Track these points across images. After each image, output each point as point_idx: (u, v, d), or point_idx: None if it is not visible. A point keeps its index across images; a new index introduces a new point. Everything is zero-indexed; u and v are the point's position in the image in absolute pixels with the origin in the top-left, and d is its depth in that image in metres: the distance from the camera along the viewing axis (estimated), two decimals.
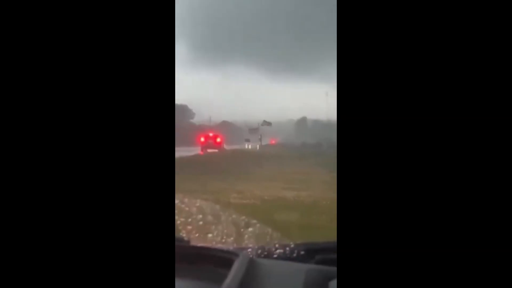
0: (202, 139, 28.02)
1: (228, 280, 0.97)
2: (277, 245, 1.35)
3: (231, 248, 1.31)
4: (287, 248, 1.33)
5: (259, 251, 1.32)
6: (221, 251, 1.21)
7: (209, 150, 24.34)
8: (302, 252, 1.30)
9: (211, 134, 29.45)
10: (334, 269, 1.07)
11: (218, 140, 28.47)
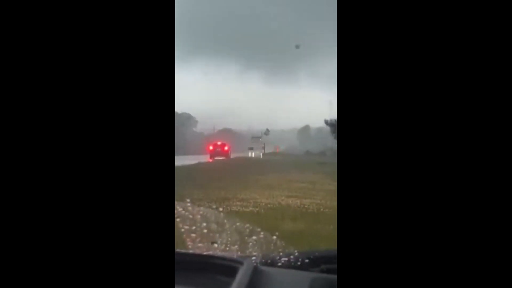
0: (211, 148, 29.10)
1: None
2: (281, 253, 1.34)
3: (235, 256, 1.31)
4: (292, 257, 1.32)
5: (264, 259, 1.31)
6: (226, 259, 1.20)
7: (217, 158, 25.37)
8: (306, 261, 1.29)
9: (219, 143, 30.46)
10: None
11: (226, 148, 29.46)
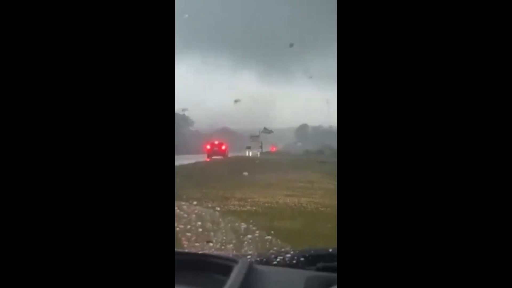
0: (208, 147, 28.98)
1: (226, 287, 0.96)
2: (276, 252, 1.34)
3: (230, 255, 1.30)
4: (287, 255, 1.31)
5: (259, 258, 1.31)
6: (220, 258, 1.19)
7: (215, 157, 25.33)
8: (302, 259, 1.29)
9: (216, 142, 30.27)
10: (334, 275, 1.05)
11: (223, 147, 29.33)
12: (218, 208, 6.82)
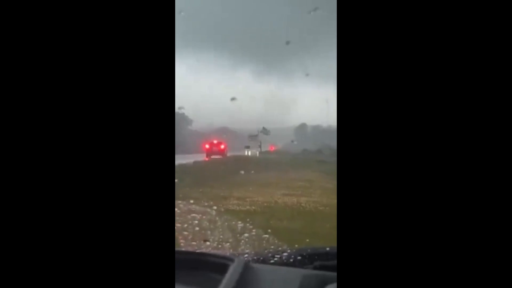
0: (207, 146, 29.07)
1: (221, 286, 0.95)
2: (273, 251, 1.34)
3: (227, 253, 1.30)
4: (284, 254, 1.31)
5: (256, 257, 1.30)
6: (217, 256, 1.19)
7: (213, 157, 25.51)
8: (299, 258, 1.28)
9: (215, 142, 30.34)
10: (330, 274, 1.05)
11: (222, 147, 29.42)
12: (215, 207, 6.83)
